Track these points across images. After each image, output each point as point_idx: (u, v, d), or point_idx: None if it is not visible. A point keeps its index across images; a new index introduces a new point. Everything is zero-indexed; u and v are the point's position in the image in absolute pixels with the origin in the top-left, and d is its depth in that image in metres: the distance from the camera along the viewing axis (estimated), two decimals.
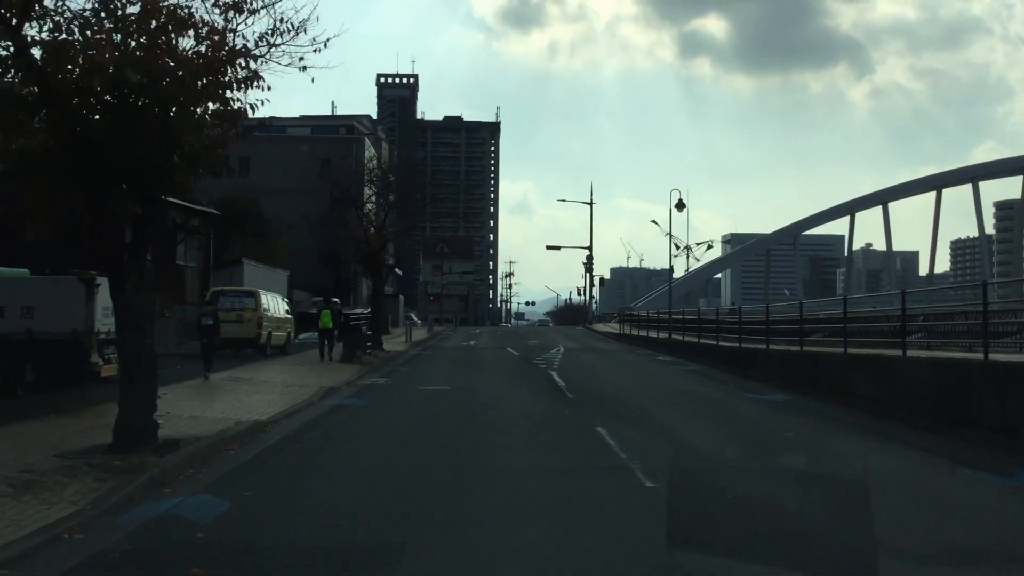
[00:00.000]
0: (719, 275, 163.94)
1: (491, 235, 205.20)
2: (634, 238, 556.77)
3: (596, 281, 75.88)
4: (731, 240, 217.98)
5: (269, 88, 10.69)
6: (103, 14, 10.09)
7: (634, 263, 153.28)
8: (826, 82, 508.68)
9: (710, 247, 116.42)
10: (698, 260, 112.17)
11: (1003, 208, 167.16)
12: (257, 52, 10.70)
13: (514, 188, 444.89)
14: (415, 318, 79.50)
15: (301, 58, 10.91)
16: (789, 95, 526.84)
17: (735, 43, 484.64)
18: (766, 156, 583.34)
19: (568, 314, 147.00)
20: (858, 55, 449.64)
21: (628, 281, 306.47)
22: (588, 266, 73.24)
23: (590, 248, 73.09)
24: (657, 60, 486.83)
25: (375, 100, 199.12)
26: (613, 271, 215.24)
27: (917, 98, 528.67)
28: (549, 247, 75.16)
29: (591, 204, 72.77)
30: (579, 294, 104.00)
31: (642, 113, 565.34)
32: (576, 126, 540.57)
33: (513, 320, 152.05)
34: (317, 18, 10.83)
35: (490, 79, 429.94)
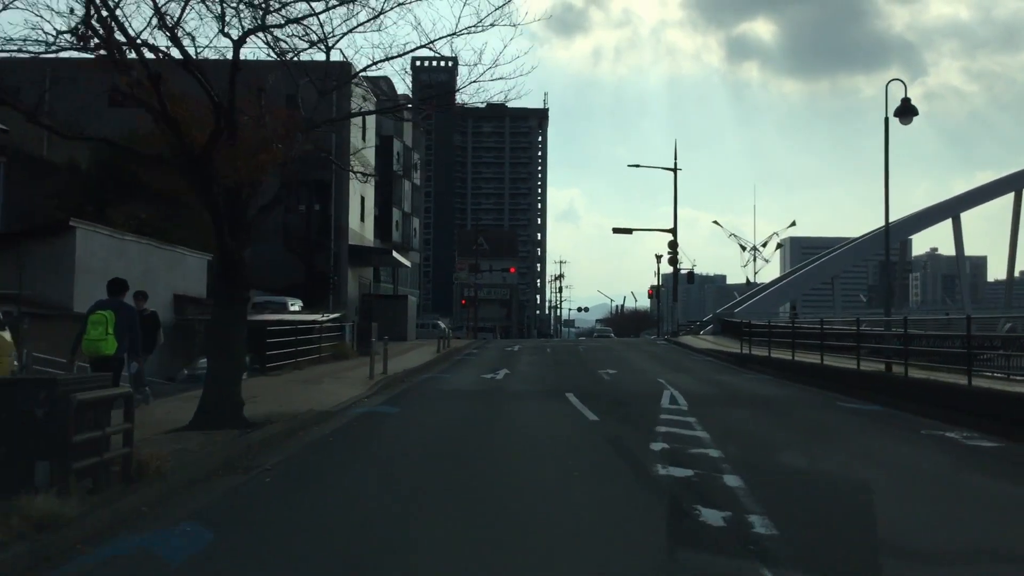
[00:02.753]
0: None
1: (538, 234, 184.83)
2: (682, 244, 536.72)
3: (683, 277, 55.15)
4: (788, 244, 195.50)
5: None
6: None
7: (686, 268, 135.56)
8: (877, 85, 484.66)
9: (780, 246, 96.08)
10: (767, 261, 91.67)
11: None
12: None
13: (560, 195, 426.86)
14: (443, 326, 60.90)
15: None
16: (839, 99, 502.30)
17: (784, 47, 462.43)
18: (817, 161, 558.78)
19: (628, 322, 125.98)
20: (911, 57, 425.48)
21: (680, 288, 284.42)
22: (672, 256, 52.36)
23: (674, 231, 52.22)
24: (704, 65, 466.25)
25: (411, 90, 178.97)
26: (664, 277, 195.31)
27: (972, 101, 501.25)
28: (616, 230, 54.99)
29: (675, 170, 52.09)
30: (651, 295, 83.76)
31: (689, 118, 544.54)
32: (621, 131, 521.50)
33: (563, 329, 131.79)
34: None
35: (534, 85, 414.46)
